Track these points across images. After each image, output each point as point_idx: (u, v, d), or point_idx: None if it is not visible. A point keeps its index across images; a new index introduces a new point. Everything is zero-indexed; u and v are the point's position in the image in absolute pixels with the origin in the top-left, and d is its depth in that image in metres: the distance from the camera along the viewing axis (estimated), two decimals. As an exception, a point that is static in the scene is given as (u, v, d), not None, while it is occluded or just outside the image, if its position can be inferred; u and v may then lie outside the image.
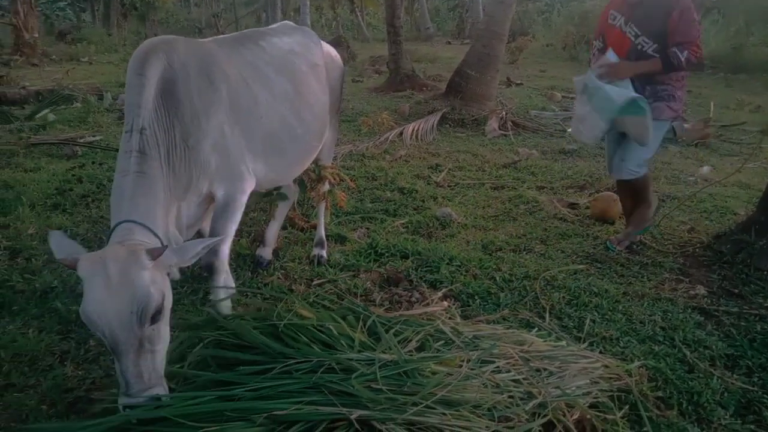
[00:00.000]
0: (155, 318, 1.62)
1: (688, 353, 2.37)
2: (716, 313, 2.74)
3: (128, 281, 1.57)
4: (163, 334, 1.69)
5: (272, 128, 2.42)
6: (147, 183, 1.83)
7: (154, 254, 1.63)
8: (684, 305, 2.80)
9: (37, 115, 6.56)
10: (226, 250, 2.23)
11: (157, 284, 1.63)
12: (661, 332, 2.54)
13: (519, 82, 11.15)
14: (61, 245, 1.69)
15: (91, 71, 12.02)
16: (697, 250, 3.44)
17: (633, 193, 3.49)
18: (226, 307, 2.27)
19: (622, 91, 3.04)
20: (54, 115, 6.72)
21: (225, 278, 2.27)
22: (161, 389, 1.64)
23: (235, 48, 2.43)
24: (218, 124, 2.15)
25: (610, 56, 3.12)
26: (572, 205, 4.30)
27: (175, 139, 1.97)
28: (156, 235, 1.78)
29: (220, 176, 2.17)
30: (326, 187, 3.23)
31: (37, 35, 14.76)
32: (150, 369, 1.62)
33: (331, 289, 2.86)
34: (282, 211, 3.30)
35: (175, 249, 1.76)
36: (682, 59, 3.00)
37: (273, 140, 2.43)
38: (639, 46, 3.09)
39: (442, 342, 2.17)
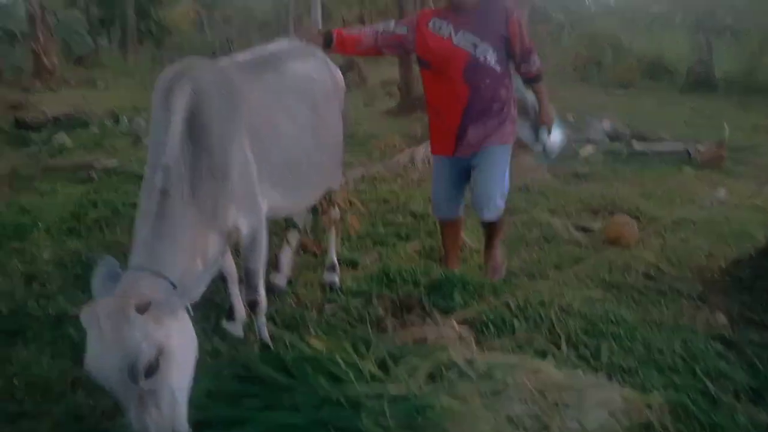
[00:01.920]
0: (150, 372, 1.52)
1: (710, 385, 2.30)
2: (738, 343, 2.67)
3: (116, 339, 1.50)
4: (173, 384, 1.59)
5: (293, 156, 2.40)
6: (165, 226, 1.77)
7: (142, 308, 1.53)
8: (704, 334, 2.73)
9: (54, 140, 6.67)
10: (262, 284, 2.28)
11: (150, 338, 1.53)
12: (682, 362, 2.47)
13: (530, 104, 11.17)
14: (106, 278, 1.66)
15: (107, 96, 12.25)
16: (715, 275, 3.37)
17: (494, 233, 3.09)
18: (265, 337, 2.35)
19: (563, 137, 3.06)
20: (71, 140, 6.84)
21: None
22: None
23: (256, 74, 2.39)
24: (242, 152, 2.11)
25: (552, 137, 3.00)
26: (586, 229, 4.26)
27: (201, 172, 1.92)
28: (169, 281, 1.70)
29: (244, 207, 2.13)
30: (338, 212, 3.23)
31: (56, 61, 15.10)
32: (157, 423, 1.54)
33: (342, 316, 2.83)
34: (295, 236, 3.30)
35: (179, 291, 1.66)
36: (539, 67, 2.75)
37: (293, 168, 2.42)
38: (481, 57, 2.64)
39: (455, 371, 2.14)
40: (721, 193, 5.29)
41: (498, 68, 2.67)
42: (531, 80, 2.81)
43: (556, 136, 3.01)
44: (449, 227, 3.18)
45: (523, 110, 2.96)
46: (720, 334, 2.73)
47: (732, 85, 15.04)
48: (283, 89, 2.45)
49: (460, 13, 2.65)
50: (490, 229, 3.06)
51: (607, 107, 11.82)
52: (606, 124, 8.96)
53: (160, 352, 1.55)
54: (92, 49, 23.47)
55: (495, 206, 2.86)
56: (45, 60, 14.53)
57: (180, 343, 1.64)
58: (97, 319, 1.52)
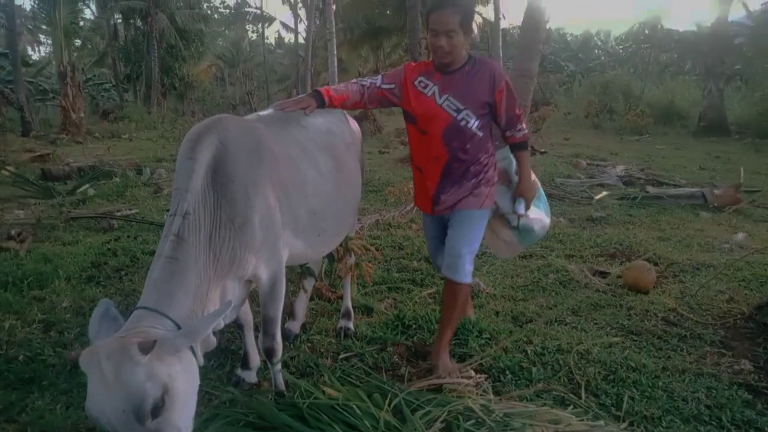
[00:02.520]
0: (156, 413, 1.52)
1: (737, 435, 2.22)
2: (765, 391, 2.58)
3: (120, 380, 1.49)
4: (178, 422, 1.60)
5: (317, 205, 2.45)
6: (176, 269, 1.81)
7: (146, 347, 1.53)
8: (729, 381, 2.65)
9: (78, 190, 6.87)
10: (279, 331, 2.30)
11: (155, 378, 1.53)
12: (707, 411, 2.40)
13: (543, 150, 11.28)
14: (102, 320, 1.67)
15: (130, 147, 12.65)
16: (738, 321, 3.30)
17: (452, 301, 2.69)
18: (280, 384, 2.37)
19: (542, 222, 2.87)
20: (94, 190, 7.04)
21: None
22: None
23: (281, 126, 2.47)
24: (266, 201, 2.15)
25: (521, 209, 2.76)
26: (603, 274, 4.21)
27: (220, 220, 1.97)
28: (173, 321, 1.72)
29: (265, 255, 2.15)
30: (353, 259, 3.25)
31: (83, 115, 15.72)
32: None
33: (357, 364, 2.80)
34: (311, 282, 3.31)
35: (183, 332, 1.67)
36: (526, 134, 2.66)
37: (316, 217, 2.45)
38: (462, 122, 2.54)
39: (472, 421, 2.09)
40: (740, 236, 5.22)
41: (480, 134, 2.57)
42: (515, 146, 2.70)
43: (535, 214, 2.80)
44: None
45: (507, 179, 2.82)
46: (746, 382, 2.64)
47: (745, 129, 15.03)
48: (307, 142, 2.53)
49: (447, 75, 2.57)
50: (450, 300, 2.70)
51: (621, 153, 11.89)
52: (620, 170, 8.99)
53: (165, 392, 1.55)
54: (117, 103, 24.47)
55: (461, 265, 2.60)
56: (73, 114, 15.13)
57: (184, 382, 1.64)
58: (98, 360, 1.51)
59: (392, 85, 2.68)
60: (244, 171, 2.06)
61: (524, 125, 2.65)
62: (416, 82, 2.63)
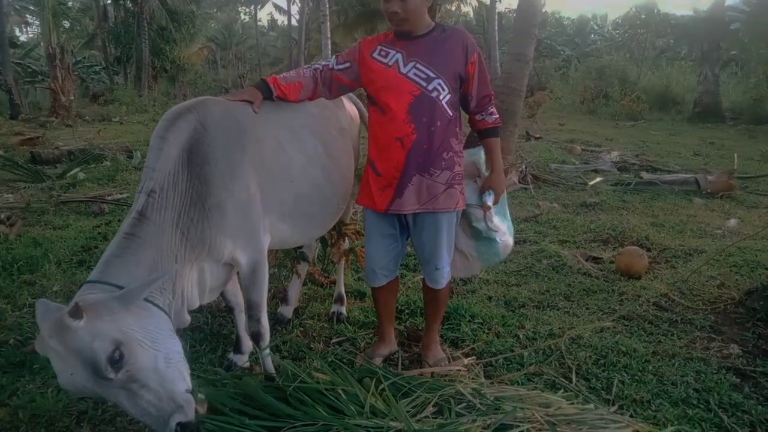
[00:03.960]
0: (117, 365, 1.55)
1: (725, 418, 2.24)
2: (753, 374, 2.61)
3: (69, 348, 1.54)
4: (148, 364, 1.62)
5: (304, 190, 2.42)
6: (131, 245, 1.81)
7: (74, 313, 1.54)
8: (718, 365, 2.67)
9: (68, 174, 6.80)
10: (265, 315, 2.30)
11: (100, 335, 1.55)
12: (695, 394, 2.42)
13: (538, 135, 11.26)
14: (46, 313, 1.65)
15: (121, 131, 12.52)
16: (728, 306, 3.32)
17: (436, 307, 2.59)
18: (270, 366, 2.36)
19: (505, 238, 2.56)
20: (84, 174, 6.97)
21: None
22: (181, 415, 1.62)
23: (270, 110, 2.41)
24: (245, 185, 2.13)
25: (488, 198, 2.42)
26: (596, 260, 4.23)
27: (191, 200, 1.97)
28: (116, 286, 1.72)
29: (242, 240, 2.14)
30: (347, 244, 3.24)
31: (72, 98, 15.53)
32: (154, 404, 1.60)
33: (349, 348, 2.81)
34: (304, 268, 3.30)
35: (118, 294, 1.66)
36: (497, 119, 2.37)
37: (303, 202, 2.43)
38: (434, 93, 2.18)
39: (463, 405, 2.10)
40: (733, 222, 5.25)
41: (450, 113, 2.23)
42: (486, 132, 2.39)
43: (500, 225, 2.52)
44: (385, 292, 2.60)
45: (475, 173, 2.51)
46: (734, 366, 2.67)
47: (740, 115, 15.04)
48: (296, 125, 2.48)
49: (412, 40, 2.21)
50: (433, 301, 2.57)
51: (616, 139, 11.89)
52: (614, 155, 8.99)
53: (119, 344, 1.57)
54: (108, 86, 24.18)
55: (444, 275, 2.45)
56: (62, 97, 14.95)
57: (141, 329, 1.66)
58: (46, 341, 1.56)
59: (346, 64, 2.32)
60: (221, 154, 2.05)
61: (494, 108, 2.36)
62: (375, 54, 2.27)
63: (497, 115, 2.39)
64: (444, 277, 2.47)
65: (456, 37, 2.23)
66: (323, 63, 2.38)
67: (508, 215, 2.64)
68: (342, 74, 2.35)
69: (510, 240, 2.60)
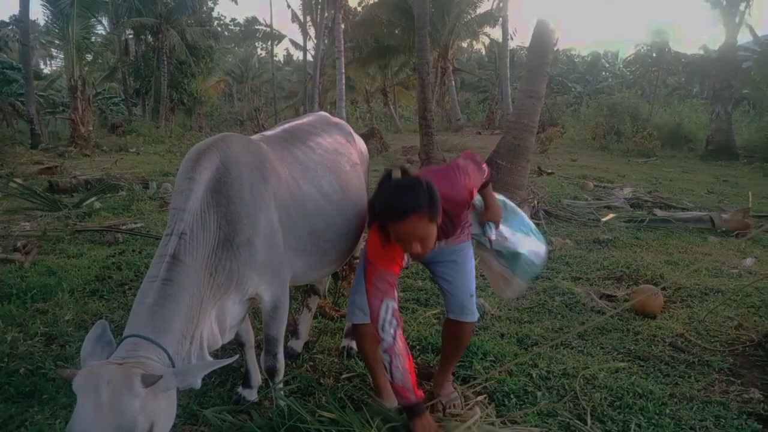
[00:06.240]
0: None
1: (747, 466, 2.17)
2: (775, 421, 2.53)
3: (117, 409, 1.48)
4: None
5: (319, 226, 2.43)
6: (171, 292, 1.77)
7: (149, 381, 1.53)
8: (738, 410, 2.59)
9: (84, 203, 6.90)
10: (281, 350, 2.30)
11: (147, 412, 1.53)
12: (715, 440, 2.35)
13: (550, 171, 11.27)
14: (97, 342, 1.66)
15: (138, 161, 12.73)
16: (746, 348, 3.24)
17: (460, 341, 2.51)
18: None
19: (533, 248, 2.68)
20: (100, 203, 7.07)
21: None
22: None
23: (286, 147, 2.47)
24: (269, 220, 2.13)
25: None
26: (610, 298, 4.17)
27: (219, 240, 1.95)
28: (168, 355, 1.70)
29: (268, 275, 2.13)
30: (357, 277, 3.22)
31: (91, 128, 15.88)
32: None
33: (359, 384, 2.77)
34: (315, 301, 3.29)
35: (177, 371, 1.66)
36: (488, 175, 2.46)
37: (318, 238, 2.43)
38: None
39: (477, 446, 2.05)
40: (749, 262, 5.17)
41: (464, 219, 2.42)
42: (480, 188, 2.48)
43: (522, 240, 2.68)
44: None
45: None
46: (755, 411, 2.59)
47: (753, 153, 14.96)
48: (311, 162, 2.52)
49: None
50: (454, 333, 2.49)
51: (629, 175, 11.87)
52: (627, 192, 8.96)
53: (152, 426, 1.54)
54: (126, 117, 24.73)
55: (472, 305, 2.45)
56: (81, 128, 15.29)
57: (166, 418, 1.64)
58: (96, 384, 1.50)
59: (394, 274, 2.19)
60: (245, 191, 2.05)
61: (485, 166, 2.43)
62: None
63: (488, 172, 2.45)
64: (473, 307, 2.44)
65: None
66: (391, 302, 2.13)
67: (529, 225, 2.76)
68: (396, 276, 2.22)
69: (536, 246, 2.72)
